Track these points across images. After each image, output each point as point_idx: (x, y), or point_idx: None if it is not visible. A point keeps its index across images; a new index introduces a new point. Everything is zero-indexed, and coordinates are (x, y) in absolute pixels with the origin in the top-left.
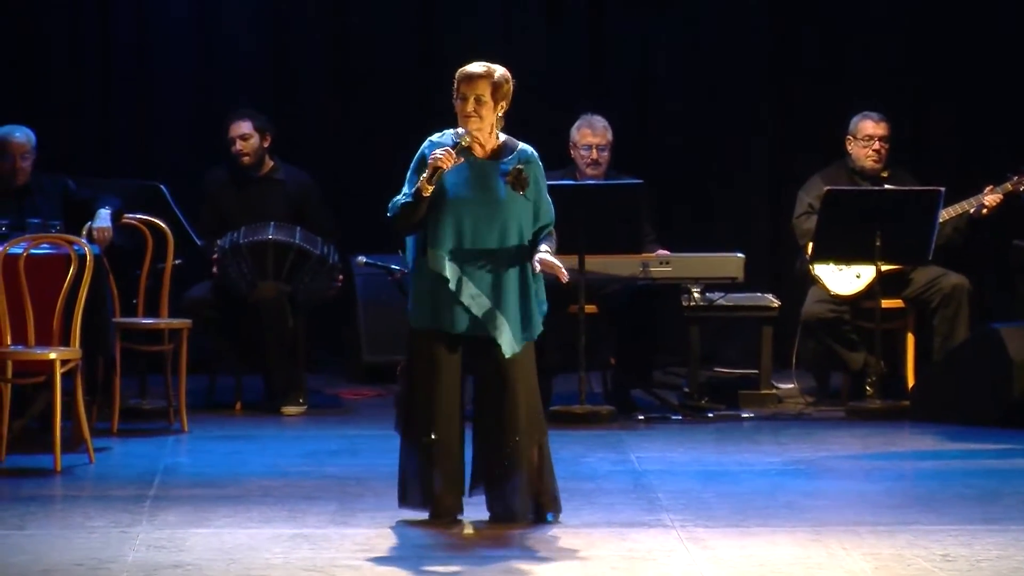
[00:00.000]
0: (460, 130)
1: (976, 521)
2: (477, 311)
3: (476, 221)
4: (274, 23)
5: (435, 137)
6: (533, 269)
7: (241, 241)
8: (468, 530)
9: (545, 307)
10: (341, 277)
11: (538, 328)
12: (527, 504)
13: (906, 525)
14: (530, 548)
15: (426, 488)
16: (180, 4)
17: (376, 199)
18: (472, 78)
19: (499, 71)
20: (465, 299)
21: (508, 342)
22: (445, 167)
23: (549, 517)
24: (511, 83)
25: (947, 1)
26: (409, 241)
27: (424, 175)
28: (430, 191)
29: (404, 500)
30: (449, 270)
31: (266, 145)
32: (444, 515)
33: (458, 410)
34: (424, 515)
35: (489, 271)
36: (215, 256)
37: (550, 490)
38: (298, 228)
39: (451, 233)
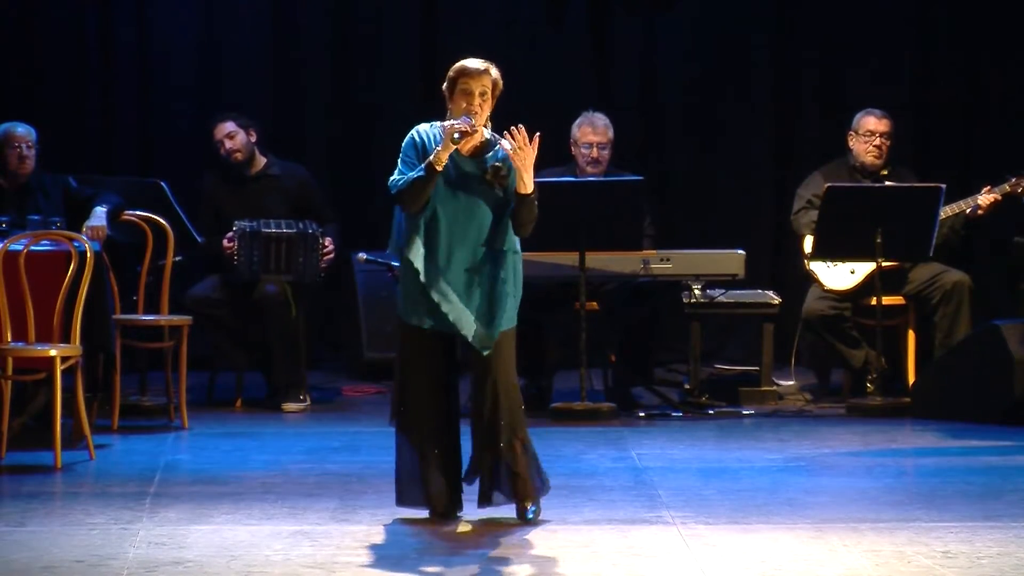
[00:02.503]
0: (447, 122)
1: (977, 518)
2: (446, 308)
3: (455, 217)
4: (274, 21)
5: (424, 127)
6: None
7: (262, 230)
8: (468, 527)
9: (519, 296)
10: (329, 240)
11: (511, 320)
12: (510, 492)
13: (907, 522)
14: (530, 545)
15: (424, 486)
16: (181, 2)
17: (376, 197)
18: (478, 73)
19: (495, 68)
20: (435, 296)
21: (478, 337)
22: (469, 131)
23: (530, 514)
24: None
25: (950, 1)
26: (397, 235)
27: (439, 150)
28: (444, 163)
29: (401, 499)
30: (422, 263)
31: (253, 140)
32: (443, 513)
33: (448, 406)
34: (423, 513)
35: (465, 267)
36: (233, 232)
37: (531, 483)
38: (283, 220)
39: (431, 228)
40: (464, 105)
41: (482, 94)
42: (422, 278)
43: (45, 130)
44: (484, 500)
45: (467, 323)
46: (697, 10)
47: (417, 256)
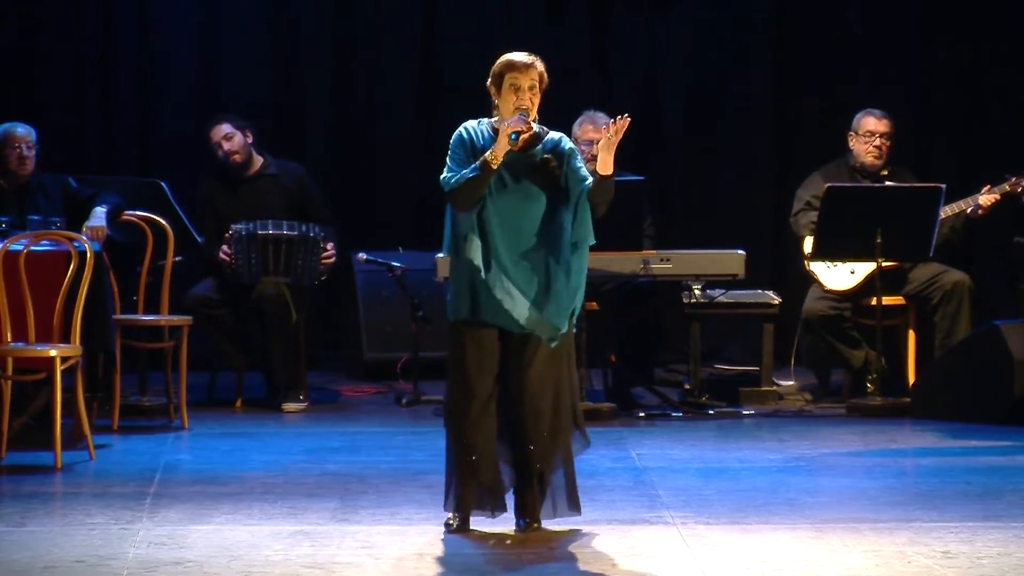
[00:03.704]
0: (495, 119)
1: (977, 518)
2: (508, 306)
3: (508, 212)
4: (274, 21)
5: (471, 123)
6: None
7: (258, 232)
8: (469, 527)
9: (582, 295)
10: (331, 245)
11: (575, 314)
12: (520, 502)
13: (907, 522)
14: (530, 545)
15: (457, 489)
16: (181, 2)
17: (377, 198)
18: (526, 67)
19: (539, 60)
20: (499, 293)
21: (547, 332)
22: (525, 129)
23: (527, 529)
24: None
25: (950, 1)
26: (448, 234)
27: (495, 148)
28: (499, 162)
29: (446, 504)
30: (482, 260)
31: (249, 141)
32: (464, 513)
33: (491, 405)
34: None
35: (525, 261)
36: (228, 236)
37: (539, 506)
38: (284, 221)
39: (488, 227)
40: (514, 100)
41: (531, 87)
42: (483, 275)
43: (45, 130)
44: (521, 515)
45: (533, 319)
46: (697, 10)
47: (476, 254)
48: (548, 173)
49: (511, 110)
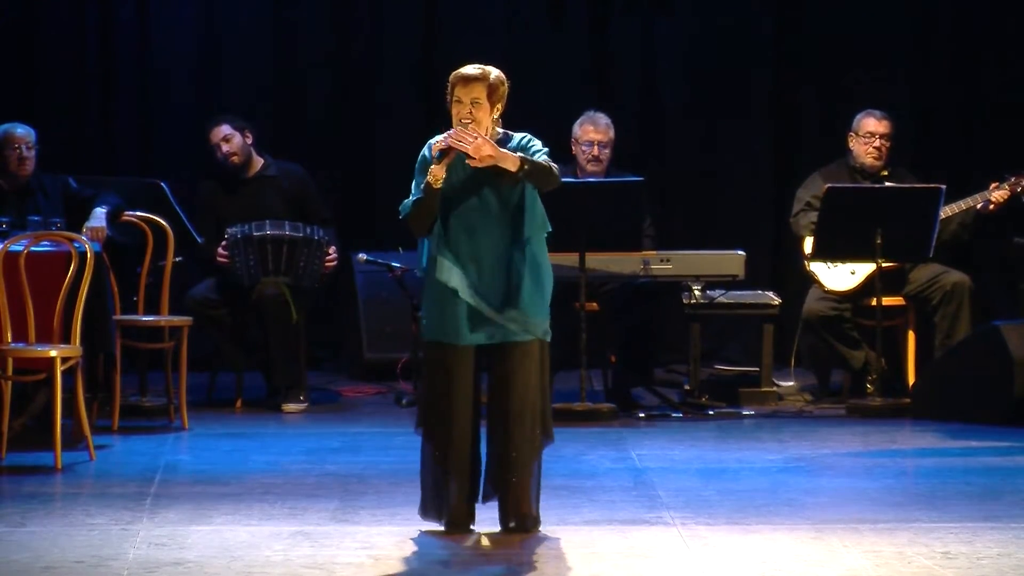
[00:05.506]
0: (439, 136)
1: (977, 518)
2: (496, 317)
3: (481, 225)
4: (274, 21)
5: (434, 140)
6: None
7: (254, 233)
8: (469, 527)
9: (547, 293)
10: (333, 249)
11: (539, 327)
12: (532, 512)
13: (907, 522)
14: (530, 546)
15: (443, 500)
16: (182, 2)
17: (377, 198)
18: (468, 80)
19: (494, 73)
20: (479, 306)
21: (532, 330)
22: (458, 143)
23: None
24: (506, 85)
25: (949, 1)
26: (423, 251)
27: (432, 167)
28: (440, 180)
29: (424, 512)
30: (458, 280)
31: (249, 142)
32: (457, 528)
33: (473, 419)
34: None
35: (501, 272)
36: (225, 241)
37: (530, 513)
38: (286, 221)
39: (458, 240)
40: (455, 113)
41: (473, 102)
42: (463, 295)
43: (45, 131)
44: (506, 525)
45: (517, 323)
46: (697, 10)
47: (449, 275)
48: (515, 179)
49: (456, 123)
